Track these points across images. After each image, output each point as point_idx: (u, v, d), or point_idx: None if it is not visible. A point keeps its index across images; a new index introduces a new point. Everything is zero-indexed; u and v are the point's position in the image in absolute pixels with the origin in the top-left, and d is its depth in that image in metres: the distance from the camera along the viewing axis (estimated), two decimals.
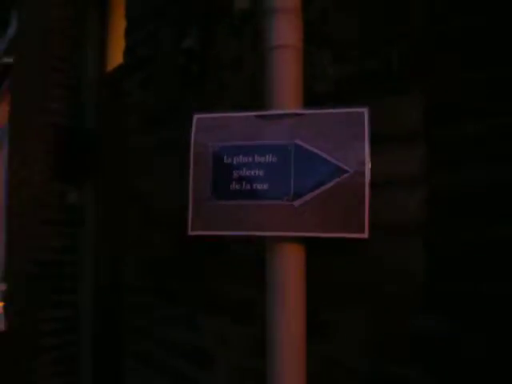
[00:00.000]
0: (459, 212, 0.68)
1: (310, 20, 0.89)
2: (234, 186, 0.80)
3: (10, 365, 2.90)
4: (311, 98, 0.86)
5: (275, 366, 0.83)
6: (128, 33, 1.73)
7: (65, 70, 2.61)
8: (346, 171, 0.76)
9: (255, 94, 1.05)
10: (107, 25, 2.69)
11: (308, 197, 0.77)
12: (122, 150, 2.26)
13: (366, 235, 0.74)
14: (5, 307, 3.19)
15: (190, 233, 0.83)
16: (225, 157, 0.82)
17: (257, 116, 0.82)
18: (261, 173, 0.79)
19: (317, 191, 0.77)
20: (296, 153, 0.78)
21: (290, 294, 0.80)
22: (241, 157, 0.81)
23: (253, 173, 0.79)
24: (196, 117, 0.85)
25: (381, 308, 0.76)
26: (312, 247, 0.83)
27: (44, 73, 2.66)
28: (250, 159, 0.80)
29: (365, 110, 0.77)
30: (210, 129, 0.84)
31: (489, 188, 0.65)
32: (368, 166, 0.75)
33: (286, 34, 0.83)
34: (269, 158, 0.79)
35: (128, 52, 1.73)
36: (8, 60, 3.40)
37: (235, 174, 0.80)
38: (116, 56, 2.57)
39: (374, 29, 0.81)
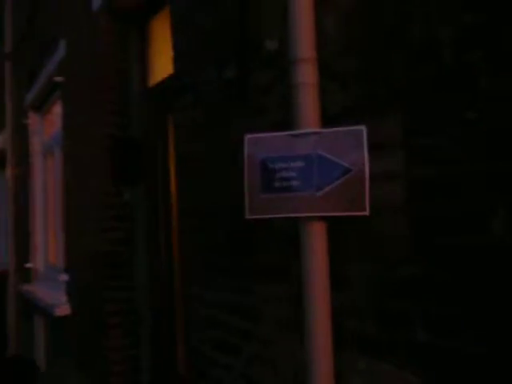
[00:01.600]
0: (426, 194, 1.03)
1: (323, 61, 1.24)
2: (276, 183, 1.18)
3: (80, 341, 3.36)
4: (326, 118, 1.22)
5: (309, 306, 1.20)
6: (176, 60, 2.11)
7: (114, 88, 3.03)
8: (351, 170, 1.12)
9: (285, 114, 1.41)
10: (147, 47, 3.09)
11: (327, 189, 1.14)
12: (168, 156, 2.67)
13: (367, 213, 1.10)
14: (68, 294, 3.65)
15: (247, 216, 1.20)
16: (269, 164, 1.19)
17: (289, 135, 1.19)
18: (294, 174, 1.16)
19: (332, 185, 1.14)
20: (317, 159, 1.15)
21: (317, 254, 1.17)
22: (280, 163, 1.18)
23: (288, 174, 1.17)
24: (247, 137, 1.22)
25: (380, 261, 1.12)
26: (333, 223, 1.19)
27: (98, 91, 3.08)
28: (286, 165, 1.17)
29: (363, 128, 1.12)
30: (257, 144, 1.22)
31: (442, 180, 1.00)
32: (367, 166, 1.11)
33: (305, 75, 1.19)
34: (299, 164, 1.16)
35: (176, 76, 2.11)
36: (58, 79, 3.84)
37: (277, 175, 1.18)
38: (157, 73, 2.96)
39: (369, 68, 1.16)
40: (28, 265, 5.14)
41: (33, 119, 5.28)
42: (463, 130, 0.96)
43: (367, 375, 1.15)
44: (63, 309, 3.59)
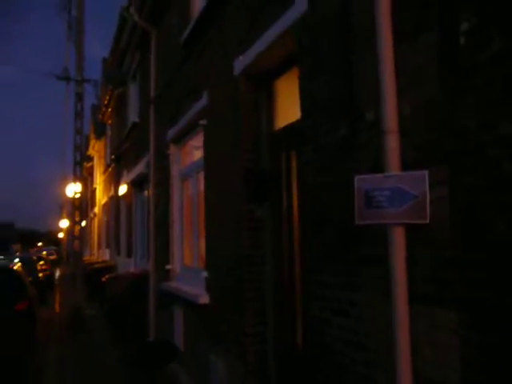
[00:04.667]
0: (461, 210, 1.83)
1: (403, 132, 2.10)
2: (373, 204, 2.05)
3: (218, 321, 4.42)
4: (404, 166, 2.07)
5: (394, 277, 2.04)
6: (303, 118, 3.07)
7: (248, 131, 4.10)
8: (418, 196, 1.95)
9: (377, 161, 2.26)
10: (272, 100, 4.11)
11: (403, 207, 1.98)
12: (291, 183, 3.62)
13: (427, 221, 1.92)
14: (208, 287, 4.76)
15: (357, 222, 2.09)
16: (369, 192, 2.07)
17: (382, 176, 2.06)
18: (384, 199, 2.02)
19: (407, 204, 1.98)
20: (398, 190, 2.00)
21: (399, 246, 2.00)
22: (376, 192, 2.05)
23: (381, 199, 2.03)
24: (356, 177, 2.12)
25: (434, 248, 1.92)
26: (408, 227, 2.03)
27: (235, 133, 4.17)
28: (380, 193, 2.04)
29: (426, 172, 1.95)
30: (363, 181, 2.10)
31: (468, 203, 1.79)
32: (427, 194, 1.94)
33: (391, 141, 2.05)
34: (387, 193, 2.02)
35: (303, 128, 3.06)
36: (202, 122, 5.05)
37: (374, 199, 2.05)
38: (280, 121, 3.97)
39: (430, 139, 1.99)
40: (167, 266, 6.45)
41: (172, 151, 6.66)
42: (477, 172, 1.76)
43: (428, 317, 1.95)
44: (204, 298, 4.70)
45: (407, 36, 2.07)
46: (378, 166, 2.21)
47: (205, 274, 4.84)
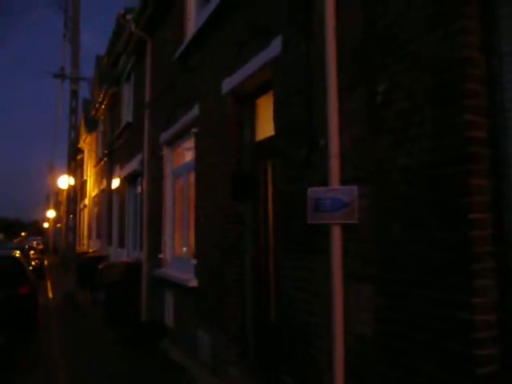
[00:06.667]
0: (379, 216, 2.65)
1: (342, 156, 2.91)
2: (320, 208, 2.86)
3: (205, 301, 5.22)
4: (342, 182, 2.88)
5: (334, 261, 2.86)
6: (275, 136, 3.86)
7: (233, 141, 4.87)
8: (349, 204, 2.77)
9: (326, 176, 3.07)
10: (254, 115, 4.90)
11: (340, 211, 2.80)
12: (267, 185, 4.43)
13: (356, 221, 2.74)
14: (196, 272, 5.55)
15: (309, 222, 2.90)
16: (317, 200, 2.88)
17: (325, 188, 2.87)
18: (328, 205, 2.84)
19: (342, 210, 2.79)
20: (337, 199, 2.81)
21: (337, 240, 2.82)
22: (322, 200, 2.86)
23: (325, 205, 2.85)
24: (309, 189, 2.93)
25: (359, 238, 2.74)
26: (343, 226, 2.85)
27: (222, 142, 4.95)
28: (324, 201, 2.85)
29: (355, 187, 2.76)
30: (313, 192, 2.91)
31: (386, 210, 2.61)
32: (356, 202, 2.76)
33: (334, 164, 2.86)
34: (329, 201, 2.83)
35: (276, 144, 3.85)
36: (194, 130, 5.81)
37: (320, 205, 2.86)
38: (260, 133, 4.75)
39: (359, 167, 2.81)
40: (160, 255, 7.21)
41: (166, 152, 7.39)
42: (385, 190, 2.57)
43: (355, 290, 2.77)
44: (193, 282, 5.49)
45: (346, 88, 2.87)
46: (326, 180, 3.02)
47: (194, 261, 5.63)
